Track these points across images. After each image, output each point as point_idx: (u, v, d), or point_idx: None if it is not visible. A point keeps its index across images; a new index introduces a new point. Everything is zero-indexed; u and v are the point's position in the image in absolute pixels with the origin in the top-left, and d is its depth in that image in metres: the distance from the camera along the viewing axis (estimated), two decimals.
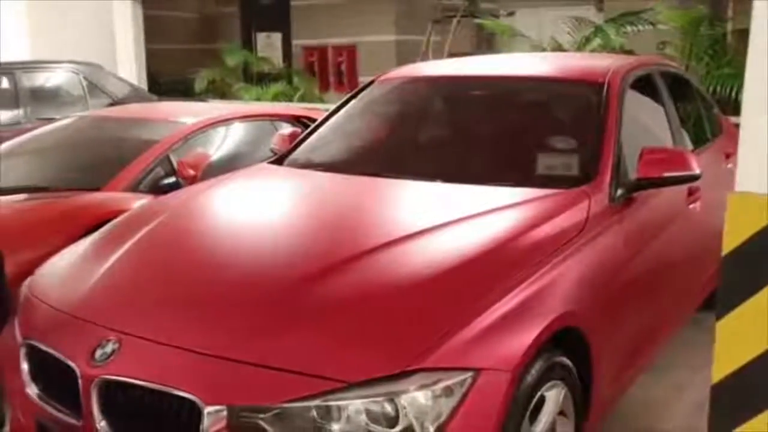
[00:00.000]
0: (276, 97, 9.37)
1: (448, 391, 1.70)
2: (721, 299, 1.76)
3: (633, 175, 2.61)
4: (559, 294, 2.06)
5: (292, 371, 1.72)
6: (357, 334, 1.81)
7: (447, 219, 2.29)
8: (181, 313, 1.99)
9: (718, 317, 1.76)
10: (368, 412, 1.68)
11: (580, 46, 7.18)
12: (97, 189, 3.58)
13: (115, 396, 1.85)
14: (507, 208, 2.36)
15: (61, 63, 6.82)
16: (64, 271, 2.38)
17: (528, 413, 1.88)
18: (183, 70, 10.17)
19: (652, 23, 7.19)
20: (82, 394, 1.87)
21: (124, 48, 8.83)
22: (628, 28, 7.23)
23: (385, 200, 2.67)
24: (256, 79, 10.34)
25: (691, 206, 3.07)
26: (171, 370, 1.80)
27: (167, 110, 4.82)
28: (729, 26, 7.48)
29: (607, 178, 2.53)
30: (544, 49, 7.25)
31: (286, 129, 3.73)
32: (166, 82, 9.70)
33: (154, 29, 9.55)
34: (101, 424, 1.86)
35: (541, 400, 1.96)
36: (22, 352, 2.13)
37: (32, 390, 2.07)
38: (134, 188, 3.66)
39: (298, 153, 3.22)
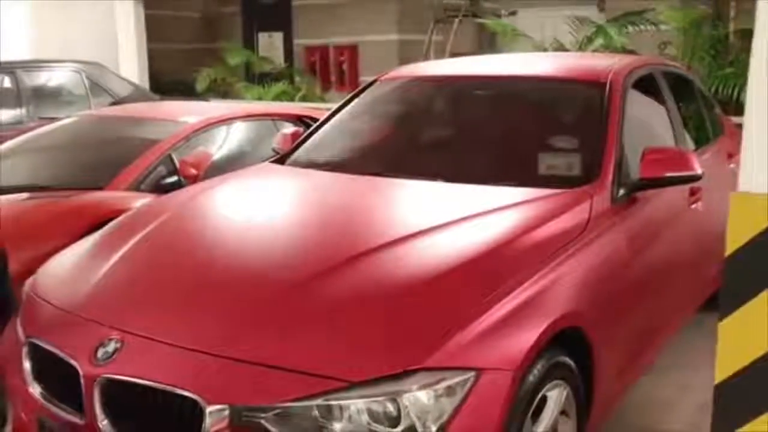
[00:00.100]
0: (277, 97, 9.37)
1: (450, 391, 1.70)
2: (723, 300, 1.76)
3: (635, 175, 2.61)
4: (562, 294, 2.06)
5: (295, 371, 1.72)
6: (359, 334, 1.81)
7: (449, 219, 2.29)
8: (183, 312, 1.99)
9: (721, 318, 1.76)
10: (370, 412, 1.68)
11: (582, 46, 7.18)
12: (99, 188, 3.59)
13: (117, 395, 1.85)
14: (509, 208, 2.36)
15: (63, 62, 6.83)
16: (67, 269, 2.38)
17: (530, 413, 1.88)
18: (185, 70, 10.17)
19: (654, 23, 7.19)
20: (85, 393, 1.88)
21: (126, 47, 8.83)
22: (630, 28, 7.23)
23: (387, 200, 2.67)
24: (258, 78, 10.34)
25: (692, 206, 3.07)
26: (173, 369, 1.80)
27: (169, 109, 4.82)
28: (731, 26, 7.47)
29: (609, 177, 2.53)
30: (546, 49, 7.25)
31: (288, 128, 3.73)
32: (167, 81, 9.69)
33: (155, 29, 9.55)
34: (103, 423, 1.86)
35: (543, 400, 1.96)
36: (25, 350, 2.13)
37: (34, 389, 2.07)
38: (136, 187, 3.67)
39: (300, 152, 3.22)
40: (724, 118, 4.28)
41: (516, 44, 7.62)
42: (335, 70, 10.74)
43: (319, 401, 1.68)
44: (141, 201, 3.33)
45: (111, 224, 2.71)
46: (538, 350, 1.87)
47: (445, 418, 1.69)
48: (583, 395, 2.14)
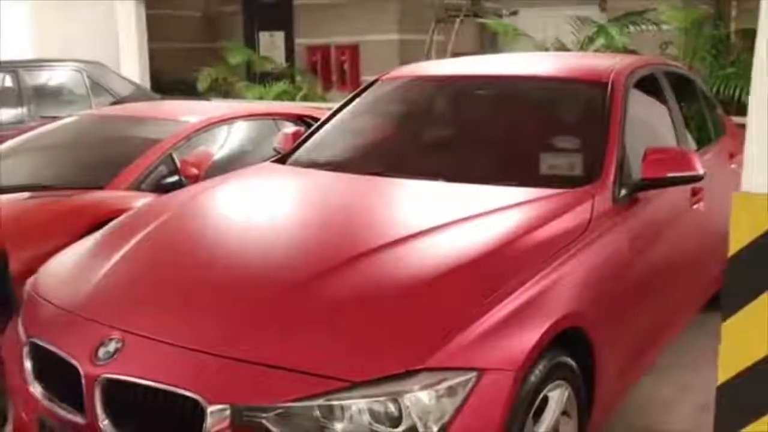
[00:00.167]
0: (279, 96, 9.37)
1: (452, 391, 1.69)
2: (726, 300, 1.75)
3: (637, 175, 2.61)
4: (563, 294, 2.06)
5: (296, 371, 1.72)
6: (360, 334, 1.81)
7: (451, 219, 2.28)
8: (184, 312, 1.98)
9: (724, 318, 1.75)
10: (371, 412, 1.68)
11: (584, 46, 7.18)
12: (100, 188, 3.59)
13: (118, 394, 1.84)
14: (511, 208, 2.36)
15: (64, 62, 6.83)
16: (68, 269, 2.38)
17: (531, 413, 1.88)
18: (186, 69, 10.17)
19: (655, 23, 7.18)
20: (86, 393, 1.87)
21: (126, 47, 8.83)
22: (631, 28, 7.23)
23: (388, 200, 2.67)
24: (259, 78, 10.34)
25: (694, 206, 3.07)
26: (174, 369, 1.80)
27: (170, 109, 4.82)
28: (732, 26, 7.47)
29: (611, 178, 2.53)
30: (547, 49, 7.25)
31: (289, 128, 3.73)
32: (168, 80, 9.69)
33: (156, 28, 9.55)
34: (104, 422, 1.86)
35: (545, 401, 1.95)
36: (26, 350, 2.12)
37: (35, 388, 2.07)
38: (137, 187, 3.67)
39: (301, 152, 3.22)
40: (726, 118, 4.28)
41: (517, 44, 7.62)
42: (336, 70, 10.73)
43: (321, 401, 1.68)
44: (142, 200, 3.33)
45: (112, 224, 2.71)
46: (540, 350, 1.87)
47: (446, 418, 1.68)
48: (584, 395, 2.14)
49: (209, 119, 4.21)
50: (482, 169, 2.77)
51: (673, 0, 7.48)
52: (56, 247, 2.70)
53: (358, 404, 1.68)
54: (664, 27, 7.19)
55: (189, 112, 4.40)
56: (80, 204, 3.40)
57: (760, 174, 1.65)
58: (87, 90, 6.66)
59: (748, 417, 1.73)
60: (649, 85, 3.15)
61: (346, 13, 10.23)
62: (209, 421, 1.70)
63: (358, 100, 3.43)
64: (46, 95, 6.52)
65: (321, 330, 1.83)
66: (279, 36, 11.41)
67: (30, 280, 2.43)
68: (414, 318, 1.84)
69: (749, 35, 6.97)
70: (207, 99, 8.50)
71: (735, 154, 3.86)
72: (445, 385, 1.69)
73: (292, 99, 9.29)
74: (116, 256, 2.30)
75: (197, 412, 1.72)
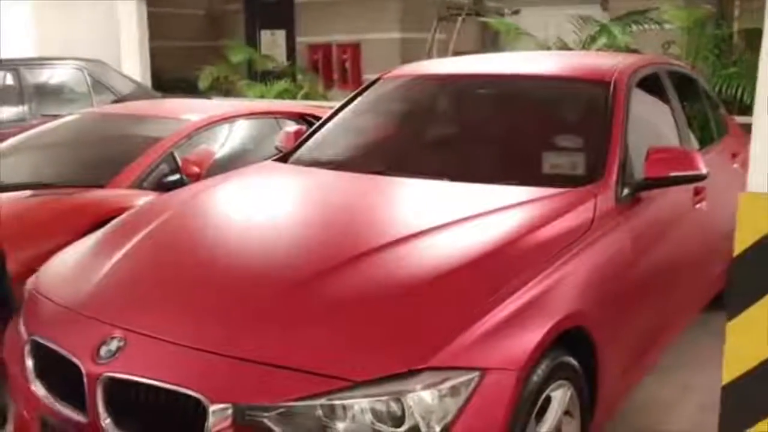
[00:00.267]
0: (280, 95, 9.37)
1: (455, 391, 1.69)
2: (731, 300, 1.75)
3: (639, 174, 2.60)
4: (566, 293, 2.05)
5: (298, 370, 1.71)
6: (363, 333, 1.80)
7: (453, 218, 2.28)
8: (186, 311, 1.98)
9: (729, 318, 1.75)
10: (374, 412, 1.68)
11: (586, 45, 7.17)
12: (101, 186, 3.58)
13: (120, 393, 1.84)
14: (514, 207, 2.35)
15: (65, 60, 6.82)
16: (69, 267, 2.37)
17: (534, 413, 1.87)
18: (187, 68, 10.16)
19: (657, 22, 7.17)
20: (87, 392, 1.87)
21: (128, 45, 8.83)
22: (634, 27, 7.22)
23: (391, 199, 2.66)
24: (260, 76, 10.34)
25: (697, 206, 3.06)
26: (176, 368, 1.80)
27: (171, 107, 4.82)
28: (735, 26, 7.46)
29: (614, 177, 2.52)
30: (549, 48, 7.24)
31: (291, 126, 3.73)
32: (170, 79, 9.69)
33: (158, 26, 9.54)
34: (106, 421, 1.85)
35: (547, 400, 1.95)
36: (27, 348, 2.12)
37: (37, 387, 2.06)
38: (138, 185, 3.66)
39: (303, 151, 3.21)
40: (728, 117, 4.27)
41: (519, 43, 7.61)
42: (338, 68, 10.73)
43: (323, 401, 1.67)
44: (143, 199, 3.32)
45: (113, 222, 2.71)
46: (543, 350, 1.87)
47: (449, 418, 1.68)
48: (587, 395, 2.14)
49: (211, 118, 4.20)
50: (484, 168, 2.77)
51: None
52: (57, 245, 2.69)
53: (360, 404, 1.68)
54: (667, 26, 7.18)
55: (190, 110, 4.40)
56: (82, 202, 3.40)
57: (765, 174, 1.64)
58: (88, 88, 6.66)
59: (754, 417, 1.72)
60: (651, 84, 3.14)
61: (348, 11, 10.23)
62: (211, 420, 1.70)
63: (360, 98, 3.43)
64: (47, 93, 6.51)
65: (323, 329, 1.82)
66: (280, 34, 11.40)
67: (31, 279, 2.43)
68: (416, 317, 1.84)
69: (752, 35, 6.97)
70: (208, 97, 8.50)
71: (737, 153, 3.86)
72: (448, 384, 1.68)
73: (294, 97, 9.29)
74: (118, 255, 2.30)
75: (199, 411, 1.72)
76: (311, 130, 3.41)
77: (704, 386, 3.06)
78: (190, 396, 1.73)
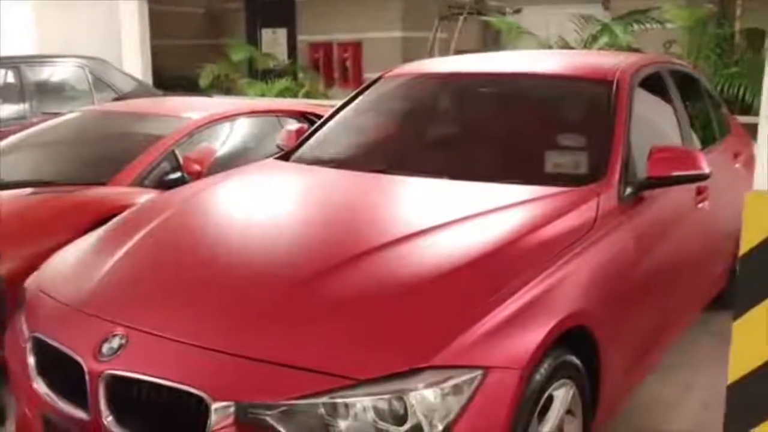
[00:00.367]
0: (281, 94, 9.37)
1: (457, 390, 1.68)
2: (737, 300, 1.74)
3: (642, 173, 2.60)
4: (569, 292, 2.05)
5: (301, 368, 1.71)
6: (365, 332, 1.80)
7: (455, 216, 2.27)
8: (188, 308, 1.97)
9: (735, 317, 1.74)
10: (376, 410, 1.67)
11: (587, 44, 7.17)
12: (103, 184, 3.58)
13: (122, 391, 1.84)
14: (516, 206, 2.35)
15: (66, 57, 6.82)
16: (71, 265, 2.37)
17: (537, 412, 1.87)
18: (188, 66, 10.17)
19: (659, 21, 7.17)
20: (89, 389, 1.86)
21: (129, 43, 8.83)
22: (635, 27, 7.22)
23: (393, 197, 2.66)
24: (261, 75, 10.34)
25: (699, 205, 3.06)
26: (178, 365, 1.79)
27: (173, 105, 4.81)
28: (737, 25, 7.45)
29: (616, 176, 2.52)
30: (550, 47, 7.24)
31: (293, 125, 3.72)
32: (170, 77, 9.69)
33: (159, 25, 9.54)
34: (108, 419, 1.85)
35: (550, 399, 1.95)
36: (29, 346, 2.12)
37: (38, 384, 2.06)
38: (139, 183, 3.66)
39: (305, 149, 3.21)
40: (730, 117, 4.26)
41: (520, 42, 7.61)
42: (339, 67, 10.73)
43: (325, 399, 1.67)
44: (144, 197, 3.32)
45: (115, 220, 2.70)
46: (545, 349, 1.86)
47: (451, 416, 1.67)
48: (589, 394, 2.13)
49: (212, 116, 4.20)
50: (486, 166, 2.76)
51: None
52: (58, 243, 2.69)
53: (362, 402, 1.67)
54: (668, 26, 7.18)
55: (191, 108, 4.40)
56: (83, 200, 3.39)
57: None
58: (89, 86, 6.66)
59: (759, 416, 1.71)
60: (654, 83, 3.14)
61: (349, 10, 10.23)
62: (213, 418, 1.70)
63: (361, 97, 3.42)
64: (48, 91, 6.51)
65: (325, 328, 1.82)
66: (281, 33, 11.41)
67: (33, 276, 2.42)
68: (419, 316, 1.83)
69: (753, 34, 6.97)
70: (209, 96, 8.50)
71: (739, 153, 3.85)
72: (450, 383, 1.68)
73: (295, 96, 9.29)
74: (119, 253, 2.29)
75: (201, 409, 1.72)
76: (313, 128, 3.40)
77: (706, 385, 3.06)
78: (192, 394, 1.73)
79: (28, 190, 3.54)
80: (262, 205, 2.71)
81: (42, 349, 2.08)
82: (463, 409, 1.68)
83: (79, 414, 1.91)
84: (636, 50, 6.45)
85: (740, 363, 1.71)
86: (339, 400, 1.67)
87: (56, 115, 4.91)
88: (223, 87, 10.09)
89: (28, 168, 3.99)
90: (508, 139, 2.97)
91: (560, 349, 1.95)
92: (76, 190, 3.48)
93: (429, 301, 1.88)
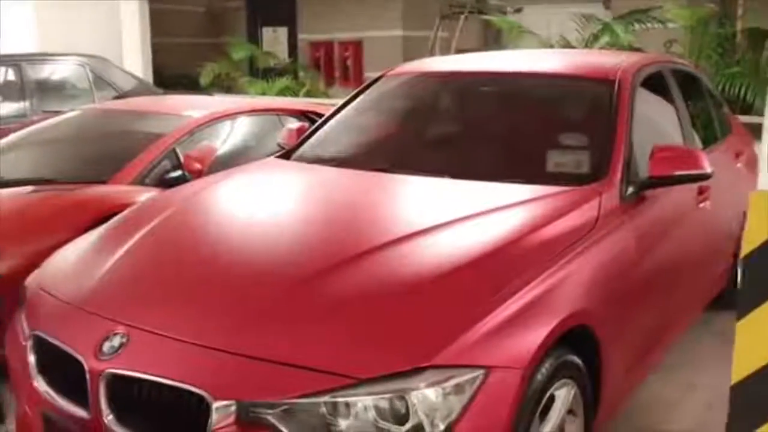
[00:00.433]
0: (281, 92, 9.38)
1: (459, 389, 1.68)
2: (741, 300, 1.73)
3: (644, 173, 2.59)
4: (570, 292, 2.04)
5: (302, 367, 1.70)
6: (367, 331, 1.79)
7: (457, 216, 2.27)
8: (189, 307, 1.97)
9: (738, 318, 1.73)
10: (378, 409, 1.67)
11: (588, 44, 7.16)
12: (103, 182, 3.58)
13: (123, 389, 1.83)
14: (518, 205, 2.34)
15: (67, 56, 6.82)
16: (72, 263, 2.37)
17: (538, 412, 1.86)
18: (188, 64, 10.17)
19: (660, 21, 7.16)
20: (90, 388, 1.86)
21: (130, 41, 8.83)
22: (637, 26, 7.21)
23: (394, 196, 2.65)
24: (262, 73, 10.34)
25: (700, 205, 3.05)
26: (179, 364, 1.79)
27: (173, 104, 4.81)
28: (738, 25, 7.45)
29: (618, 175, 2.51)
30: (552, 46, 7.23)
31: (294, 123, 3.71)
32: (171, 75, 9.70)
33: (160, 23, 9.54)
34: (109, 417, 1.84)
35: (551, 399, 1.94)
36: (29, 344, 2.11)
37: (39, 383, 2.05)
38: (140, 181, 3.65)
39: (306, 148, 3.20)
40: (732, 117, 4.26)
41: (521, 41, 7.61)
42: (339, 66, 10.73)
43: (327, 398, 1.66)
44: (145, 195, 3.32)
45: (116, 218, 2.70)
46: (547, 349, 1.86)
47: (453, 416, 1.67)
48: (590, 394, 2.13)
49: (212, 114, 4.19)
50: (488, 166, 2.76)
51: None
52: (59, 241, 2.69)
53: (364, 401, 1.67)
54: (670, 25, 7.17)
55: (192, 107, 4.39)
56: (83, 198, 3.39)
57: None
58: (90, 84, 6.65)
59: (763, 417, 1.71)
60: (656, 83, 3.13)
61: (350, 8, 10.23)
62: (215, 416, 1.69)
63: (363, 95, 3.42)
64: (48, 89, 6.51)
65: (327, 327, 1.81)
66: (282, 32, 11.41)
67: (33, 274, 2.42)
68: (420, 315, 1.83)
69: (755, 34, 6.96)
70: (209, 94, 8.50)
71: (741, 153, 3.85)
72: (452, 382, 1.67)
73: (295, 95, 9.30)
74: (120, 251, 2.29)
75: (202, 408, 1.71)
76: (314, 127, 3.40)
77: (708, 385, 3.06)
78: (193, 393, 1.73)
79: (29, 188, 3.53)
80: (263, 203, 2.71)
81: (42, 348, 2.07)
82: (465, 409, 1.68)
83: (80, 412, 1.91)
84: (637, 50, 6.44)
85: (744, 363, 1.70)
86: (340, 400, 1.67)
87: (57, 113, 4.91)
88: (223, 85, 10.10)
89: (29, 166, 3.98)
90: (510, 138, 2.97)
91: (562, 348, 1.95)
92: (76, 189, 3.47)
93: (431, 301, 1.88)
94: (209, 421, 1.70)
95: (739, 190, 3.71)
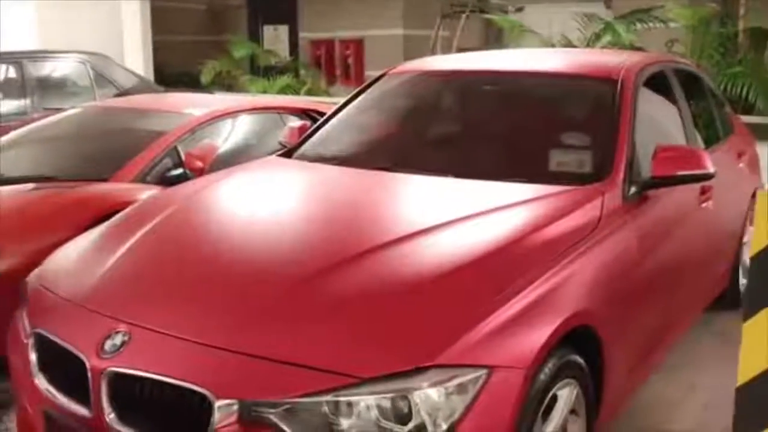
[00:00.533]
0: (282, 90, 9.37)
1: (462, 389, 1.68)
2: (747, 301, 1.72)
3: (646, 173, 2.59)
4: (573, 292, 2.04)
5: (304, 366, 1.70)
6: (370, 330, 1.79)
7: (459, 215, 2.26)
8: (191, 306, 1.96)
9: (745, 318, 1.72)
10: (380, 409, 1.66)
11: (590, 43, 7.16)
12: (105, 180, 3.57)
13: (124, 388, 1.83)
14: (520, 205, 2.34)
15: (68, 53, 6.81)
16: (73, 261, 2.36)
17: (541, 412, 1.86)
18: (189, 62, 10.17)
19: (662, 20, 7.16)
20: (92, 386, 1.85)
21: (131, 39, 8.83)
22: (638, 26, 7.21)
23: (396, 195, 2.65)
24: (263, 71, 10.33)
25: (703, 205, 3.05)
26: (181, 363, 1.78)
27: (174, 102, 4.80)
28: (740, 24, 7.44)
29: (621, 175, 2.51)
30: (553, 45, 7.23)
31: (296, 122, 3.71)
32: (172, 73, 9.69)
33: (161, 21, 9.54)
34: (110, 416, 1.84)
35: (554, 399, 1.94)
36: (30, 342, 2.11)
37: (40, 380, 2.05)
38: (142, 179, 3.65)
39: (307, 146, 3.20)
40: (734, 116, 4.25)
41: (523, 40, 7.61)
42: (341, 64, 10.73)
43: (329, 397, 1.66)
44: (146, 193, 3.31)
45: (117, 216, 2.69)
46: (550, 349, 1.85)
47: (456, 416, 1.66)
48: (592, 394, 2.12)
49: (214, 112, 4.19)
50: (491, 165, 2.75)
51: None
52: (60, 239, 2.68)
53: (366, 401, 1.66)
54: (671, 25, 7.17)
55: (193, 105, 4.38)
56: (84, 196, 3.38)
57: None
58: (91, 82, 6.65)
59: None
60: (658, 82, 3.13)
61: (351, 7, 10.22)
62: (217, 415, 1.69)
63: (364, 94, 3.41)
64: (49, 87, 6.50)
65: (329, 326, 1.81)
66: (283, 30, 11.40)
67: (34, 272, 2.41)
68: (423, 315, 1.82)
69: (757, 34, 6.96)
70: (210, 92, 8.49)
71: (743, 153, 3.84)
72: (455, 382, 1.67)
73: (296, 93, 9.29)
74: (122, 249, 2.28)
75: (204, 407, 1.71)
76: (316, 125, 3.39)
77: (709, 385, 3.06)
78: (195, 391, 1.72)
79: (30, 185, 3.53)
80: (264, 202, 2.70)
81: (44, 345, 2.07)
82: (468, 409, 1.67)
83: (81, 411, 1.90)
84: (639, 49, 6.44)
85: (750, 365, 1.69)
86: (342, 399, 1.66)
87: (58, 110, 4.90)
88: (224, 84, 10.09)
89: (30, 164, 3.98)
90: (512, 137, 2.96)
91: (564, 348, 1.95)
92: (77, 187, 3.47)
93: (433, 300, 1.87)
94: (211, 420, 1.69)
95: (742, 189, 3.71)
